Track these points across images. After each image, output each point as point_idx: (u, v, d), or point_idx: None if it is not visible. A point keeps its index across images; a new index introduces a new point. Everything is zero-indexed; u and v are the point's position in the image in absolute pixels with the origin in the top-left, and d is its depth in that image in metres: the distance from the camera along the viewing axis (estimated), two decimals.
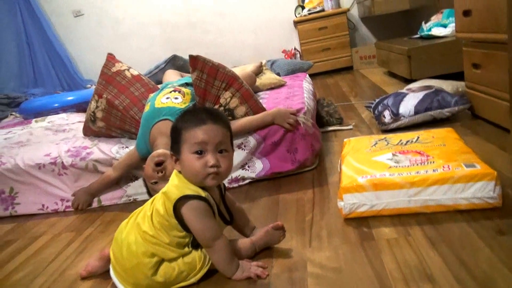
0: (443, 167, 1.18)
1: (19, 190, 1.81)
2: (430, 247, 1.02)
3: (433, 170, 1.17)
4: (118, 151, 1.77)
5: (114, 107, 1.86)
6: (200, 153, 1.00)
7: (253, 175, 1.68)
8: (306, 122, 1.69)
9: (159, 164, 1.43)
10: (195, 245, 1.05)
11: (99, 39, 4.71)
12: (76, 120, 2.62)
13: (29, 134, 2.37)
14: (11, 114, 3.70)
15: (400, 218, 1.18)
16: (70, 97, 3.42)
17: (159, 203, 1.03)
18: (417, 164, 1.24)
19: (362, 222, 1.20)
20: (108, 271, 1.15)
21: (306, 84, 2.43)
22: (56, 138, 2.13)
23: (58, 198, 1.78)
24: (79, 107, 3.08)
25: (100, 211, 1.70)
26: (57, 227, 1.61)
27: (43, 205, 1.79)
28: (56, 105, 3.32)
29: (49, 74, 4.83)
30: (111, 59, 2.00)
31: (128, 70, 1.97)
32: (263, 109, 1.73)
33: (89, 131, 2.00)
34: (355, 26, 4.47)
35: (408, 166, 1.23)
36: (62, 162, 1.76)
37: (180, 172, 1.04)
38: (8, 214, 1.81)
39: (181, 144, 1.01)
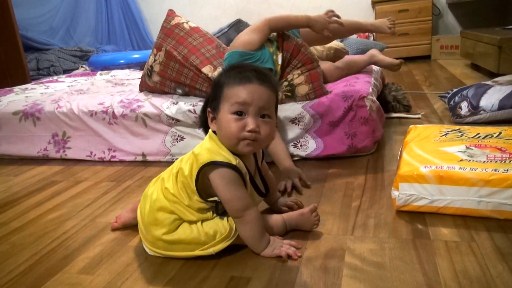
0: None
1: (71, 135, 1.84)
2: (498, 259, 0.85)
3: None
4: (169, 106, 1.72)
5: (173, 58, 1.80)
6: (240, 114, 0.89)
7: (303, 154, 1.56)
8: (372, 105, 1.53)
9: None
10: (221, 213, 0.96)
11: (173, 4, 4.74)
12: (137, 77, 2.64)
13: (90, 84, 2.43)
14: (81, 67, 3.86)
15: (465, 220, 1.00)
16: (135, 55, 3.51)
17: (187, 163, 0.95)
18: (496, 161, 1.04)
19: (417, 218, 1.04)
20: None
21: (375, 66, 2.22)
22: (113, 90, 2.14)
23: (106, 147, 1.79)
24: (143, 65, 3.12)
25: (143, 166, 1.68)
26: (100, 175, 1.62)
27: (91, 152, 1.81)
28: (121, 61, 3.42)
29: (122, 33, 4.98)
30: (171, 14, 1.95)
31: (186, 22, 1.91)
32: (326, 94, 1.60)
33: (144, 86, 1.98)
34: (440, 12, 4.07)
35: (484, 162, 1.04)
36: (113, 112, 1.76)
37: (215, 132, 0.95)
38: (59, 156, 1.86)
39: (221, 101, 0.92)
